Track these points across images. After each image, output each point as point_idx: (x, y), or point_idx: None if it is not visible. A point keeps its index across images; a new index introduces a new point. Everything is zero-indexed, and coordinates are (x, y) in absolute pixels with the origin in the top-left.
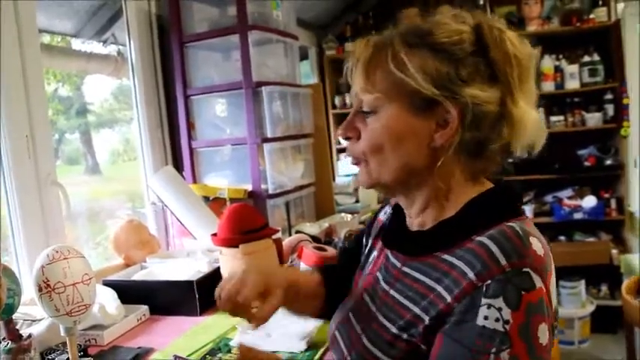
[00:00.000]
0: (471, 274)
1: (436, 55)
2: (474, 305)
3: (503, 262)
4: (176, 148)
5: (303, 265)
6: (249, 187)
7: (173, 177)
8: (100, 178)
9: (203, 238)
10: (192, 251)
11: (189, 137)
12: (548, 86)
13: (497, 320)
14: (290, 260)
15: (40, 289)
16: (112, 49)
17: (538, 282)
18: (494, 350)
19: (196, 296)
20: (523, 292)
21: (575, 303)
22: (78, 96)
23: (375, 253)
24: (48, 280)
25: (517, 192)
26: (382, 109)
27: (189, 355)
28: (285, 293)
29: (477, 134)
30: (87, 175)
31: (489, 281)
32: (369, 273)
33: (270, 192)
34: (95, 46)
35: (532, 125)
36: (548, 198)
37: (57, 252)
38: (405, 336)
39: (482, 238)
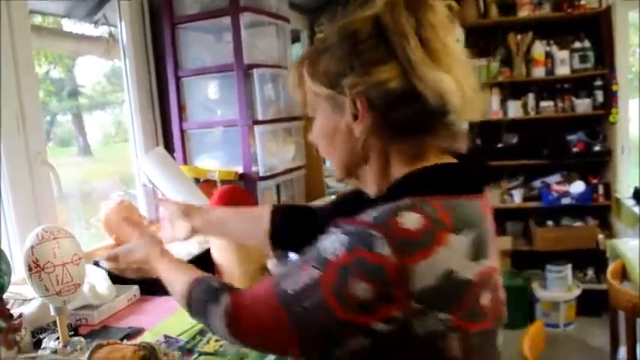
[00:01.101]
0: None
1: (336, 53)
2: (329, 232)
3: (366, 220)
4: (167, 130)
5: None
6: (240, 169)
7: (164, 158)
8: (91, 160)
9: None
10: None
11: (180, 119)
12: (539, 72)
13: (332, 248)
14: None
15: (29, 269)
16: (103, 31)
17: (384, 250)
18: (313, 264)
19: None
20: (359, 246)
21: (561, 287)
22: (70, 78)
23: None
24: (37, 260)
25: (456, 172)
26: (315, 115)
27: (179, 335)
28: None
29: (395, 114)
30: (79, 156)
31: (349, 226)
32: None
33: (261, 174)
34: (86, 28)
35: (453, 92)
36: (537, 183)
37: (46, 232)
38: None
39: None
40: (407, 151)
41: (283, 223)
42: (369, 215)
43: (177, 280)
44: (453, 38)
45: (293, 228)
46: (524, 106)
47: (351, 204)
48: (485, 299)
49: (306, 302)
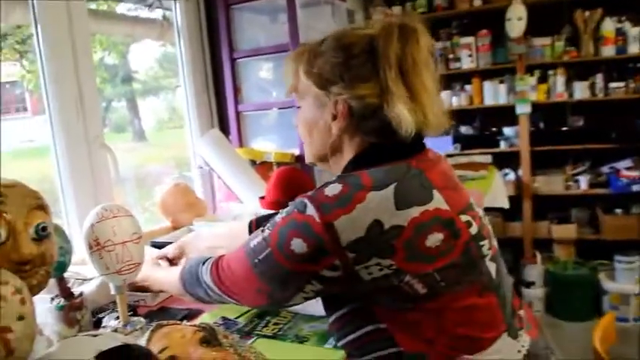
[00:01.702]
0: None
1: (331, 60)
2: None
3: (306, 194)
4: (222, 113)
5: None
6: (297, 152)
7: (219, 140)
8: (146, 145)
9: (250, 201)
10: (239, 215)
11: (236, 101)
12: (609, 51)
13: (278, 217)
14: None
15: (90, 247)
16: (157, 14)
17: (311, 211)
18: (267, 226)
19: None
20: (295, 210)
21: (630, 279)
22: (123, 64)
23: None
24: (98, 239)
25: (379, 149)
26: (302, 105)
27: (237, 318)
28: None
29: (366, 122)
30: (133, 142)
31: (295, 200)
32: None
33: None
34: (140, 11)
35: (409, 123)
36: (605, 168)
37: (106, 210)
38: None
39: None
40: (366, 142)
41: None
42: (309, 192)
43: (168, 274)
44: (429, 71)
45: None
46: (592, 87)
47: None
48: (434, 241)
49: (262, 255)
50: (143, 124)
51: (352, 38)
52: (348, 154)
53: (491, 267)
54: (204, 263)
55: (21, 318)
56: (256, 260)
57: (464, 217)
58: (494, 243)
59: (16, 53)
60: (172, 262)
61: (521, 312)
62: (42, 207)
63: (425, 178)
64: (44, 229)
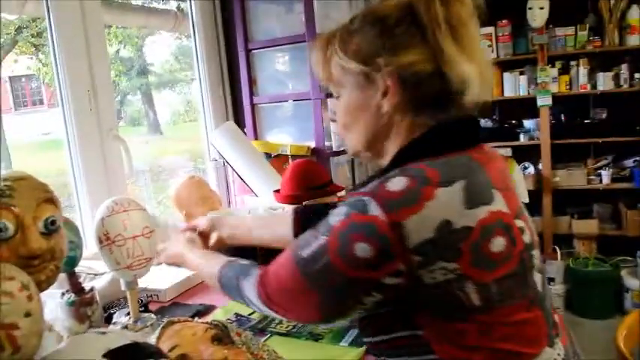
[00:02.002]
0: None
1: (368, 34)
2: (336, 207)
3: (361, 191)
4: (238, 105)
5: None
6: (313, 144)
7: (234, 132)
8: (161, 138)
9: (265, 195)
10: (253, 208)
11: (251, 93)
12: (635, 40)
13: (334, 220)
14: None
15: (100, 242)
16: (171, 5)
17: (375, 211)
18: (321, 231)
19: (258, 253)
20: (353, 211)
21: None
22: (139, 57)
23: None
24: (108, 233)
25: (440, 135)
26: (340, 93)
27: (250, 315)
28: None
29: (418, 92)
30: (149, 135)
31: (351, 198)
32: None
33: (334, 149)
34: (155, 2)
35: (475, 79)
36: (629, 162)
37: (117, 204)
38: None
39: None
40: (417, 124)
41: (308, 223)
42: (364, 188)
43: (207, 264)
44: (477, 31)
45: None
46: (616, 78)
47: None
48: (498, 246)
49: (318, 265)
50: (159, 117)
51: (386, 10)
52: (398, 139)
53: (538, 279)
54: (245, 276)
55: (28, 314)
56: (311, 271)
57: (518, 223)
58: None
59: (32, 47)
60: (202, 235)
61: (556, 317)
62: (51, 200)
63: (485, 174)
64: (53, 222)
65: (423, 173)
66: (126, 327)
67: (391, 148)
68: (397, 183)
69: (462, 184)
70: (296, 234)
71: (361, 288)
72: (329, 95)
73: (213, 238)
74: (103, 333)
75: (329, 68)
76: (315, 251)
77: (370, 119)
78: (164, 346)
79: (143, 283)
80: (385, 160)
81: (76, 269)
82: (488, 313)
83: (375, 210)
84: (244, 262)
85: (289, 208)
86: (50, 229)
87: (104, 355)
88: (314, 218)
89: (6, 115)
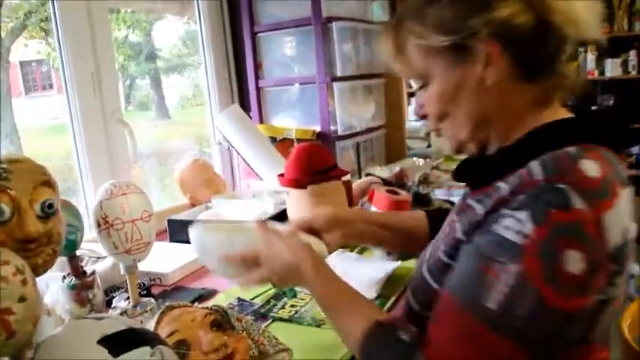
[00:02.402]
0: (505, 190)
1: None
2: (499, 215)
3: (539, 177)
4: (243, 89)
5: (374, 209)
6: (318, 128)
7: (239, 115)
8: (169, 123)
9: (269, 179)
10: (258, 192)
11: (257, 77)
12: None
13: (517, 232)
14: (360, 204)
15: (98, 225)
16: None
17: (578, 203)
18: (502, 259)
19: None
20: (552, 209)
21: None
22: (147, 42)
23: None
24: (106, 216)
25: (604, 122)
26: (429, 80)
27: (253, 299)
28: (354, 231)
29: (525, 52)
30: (157, 119)
31: (520, 195)
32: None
33: (340, 133)
34: None
35: (579, 12)
36: (635, 149)
37: (115, 187)
38: (450, 261)
39: (533, 162)
40: (538, 97)
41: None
42: (526, 175)
43: (347, 314)
44: None
45: None
46: (624, 64)
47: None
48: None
49: (522, 309)
50: (167, 101)
51: None
52: (514, 116)
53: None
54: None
55: (22, 299)
56: (515, 322)
57: None
58: None
59: (42, 31)
60: (315, 233)
61: None
62: (48, 183)
63: None
64: (50, 206)
65: (609, 161)
66: (125, 312)
67: (500, 127)
68: (592, 167)
69: (629, 190)
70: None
71: (573, 321)
72: (334, 79)
73: (334, 237)
74: (99, 319)
75: (406, 56)
76: (509, 291)
77: (473, 99)
78: (163, 332)
79: (146, 266)
80: (493, 145)
81: (79, 252)
82: (584, 345)
83: (577, 202)
84: (402, 334)
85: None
86: (47, 212)
87: (99, 341)
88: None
89: (17, 99)
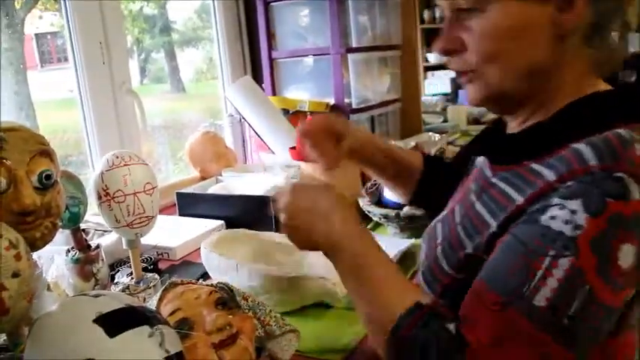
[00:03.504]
0: (550, 176)
1: None
2: (545, 205)
3: (592, 162)
4: (256, 61)
5: None
6: (332, 101)
7: (251, 87)
8: (184, 97)
9: (281, 152)
10: (269, 166)
11: (270, 47)
12: None
13: (566, 222)
14: (372, 179)
15: (99, 198)
16: None
17: (635, 193)
18: (552, 253)
19: (272, 212)
20: (609, 199)
21: None
22: (162, 14)
23: (477, 167)
24: (107, 188)
25: None
26: (487, 5)
27: None
28: (359, 147)
29: (604, 10)
30: (172, 93)
31: (570, 182)
32: (465, 185)
33: (354, 106)
34: None
35: None
36: None
37: (117, 157)
38: (476, 253)
39: (579, 144)
40: (591, 64)
41: (432, 175)
42: (574, 159)
43: (383, 284)
44: None
45: (437, 184)
46: None
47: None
48: None
49: (572, 306)
50: (182, 75)
51: None
52: (568, 72)
53: None
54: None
55: (16, 275)
56: (566, 321)
57: None
58: None
59: (56, 3)
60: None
61: None
62: (46, 153)
63: None
64: (48, 177)
65: None
66: (127, 288)
67: (553, 91)
68: None
69: None
70: (421, 182)
71: (613, 318)
72: (349, 50)
73: (339, 149)
74: (97, 296)
75: None
76: (557, 288)
77: (537, 45)
78: (165, 310)
79: (153, 240)
80: (526, 111)
81: (84, 225)
82: (619, 335)
83: (636, 192)
84: (445, 332)
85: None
86: (45, 183)
87: (95, 320)
88: (441, 177)
89: (32, 71)
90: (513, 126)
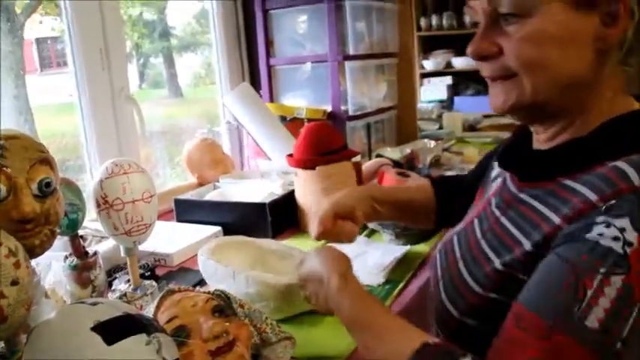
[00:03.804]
0: (592, 196)
1: None
2: (588, 223)
3: (637, 182)
4: (254, 68)
5: None
6: (329, 108)
7: (249, 94)
8: (182, 102)
9: (278, 158)
10: (266, 172)
11: (268, 54)
12: None
13: (615, 239)
14: None
15: (98, 205)
16: None
17: None
18: (603, 270)
19: (269, 219)
20: None
21: None
22: (161, 20)
23: (498, 179)
24: (106, 196)
25: None
26: (536, 10)
27: None
28: (370, 210)
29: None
30: (170, 98)
31: (614, 200)
32: (486, 198)
33: (351, 113)
34: None
35: None
36: None
37: (116, 165)
38: (503, 268)
39: (619, 163)
40: (621, 79)
41: (446, 197)
42: (617, 178)
43: (385, 336)
44: None
45: (454, 203)
46: None
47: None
48: None
49: (625, 327)
50: (180, 80)
51: None
52: (603, 87)
53: None
54: None
55: (15, 283)
56: (618, 345)
57: None
58: None
59: (56, 7)
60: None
61: None
62: (46, 161)
63: None
64: (48, 184)
65: None
66: (124, 295)
67: (578, 107)
68: None
69: None
70: (439, 209)
71: None
72: (347, 57)
73: (358, 219)
74: (94, 304)
75: None
76: (610, 308)
77: (579, 58)
78: (162, 317)
79: (150, 246)
80: (553, 124)
81: (82, 232)
82: None
83: None
84: (459, 356)
85: (424, 181)
86: (45, 191)
87: (93, 328)
88: (451, 195)
89: (32, 76)
90: (543, 139)
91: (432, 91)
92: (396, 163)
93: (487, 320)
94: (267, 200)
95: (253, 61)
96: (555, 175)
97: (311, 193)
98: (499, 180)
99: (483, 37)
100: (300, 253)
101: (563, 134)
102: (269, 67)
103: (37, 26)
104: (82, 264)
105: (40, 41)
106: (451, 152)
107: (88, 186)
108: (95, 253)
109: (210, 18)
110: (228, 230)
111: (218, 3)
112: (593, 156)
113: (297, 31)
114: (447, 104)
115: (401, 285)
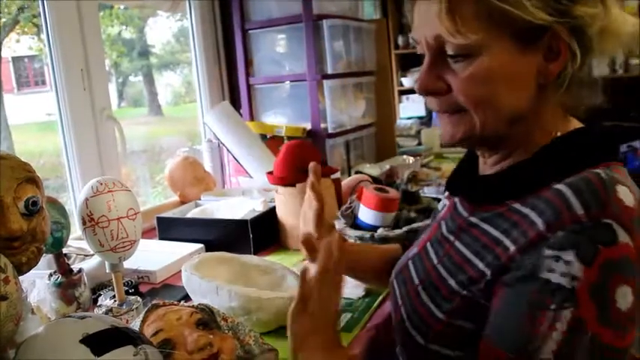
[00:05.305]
0: (540, 224)
1: None
2: (538, 257)
3: (579, 211)
4: (234, 86)
5: (362, 207)
6: (308, 126)
7: (229, 113)
8: (162, 120)
9: (259, 176)
10: (247, 190)
11: (247, 74)
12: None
13: (563, 275)
14: (349, 201)
15: (83, 223)
16: None
17: (622, 236)
18: (553, 307)
19: (250, 235)
20: (600, 247)
21: None
22: (140, 38)
23: (447, 202)
24: (92, 214)
25: (612, 134)
26: (482, 50)
27: None
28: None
29: (585, 57)
30: (150, 116)
31: (560, 232)
32: (435, 221)
33: (330, 131)
34: None
35: (635, 33)
36: (622, 147)
37: (101, 184)
38: (464, 292)
39: (560, 186)
40: (564, 107)
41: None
42: (562, 206)
43: None
44: None
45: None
46: (612, 63)
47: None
48: None
49: (579, 356)
50: (160, 98)
51: None
52: (544, 115)
53: None
54: None
55: (4, 298)
56: None
57: None
58: None
59: (34, 27)
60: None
61: None
62: (32, 180)
63: None
64: (34, 203)
65: (630, 180)
66: (110, 310)
67: (521, 135)
68: (626, 193)
69: None
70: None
71: (623, 357)
72: (325, 76)
73: None
74: (82, 317)
75: (465, 11)
76: (562, 340)
77: (523, 93)
78: (148, 330)
79: (134, 264)
80: (498, 150)
81: (66, 250)
82: None
83: (622, 235)
84: None
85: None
86: (31, 209)
87: (81, 341)
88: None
89: (8, 95)
90: (489, 163)
91: (410, 108)
92: (375, 179)
93: (455, 347)
94: (249, 217)
95: (233, 80)
96: (504, 198)
97: (291, 209)
98: (448, 203)
99: (429, 72)
100: (282, 268)
101: (508, 159)
102: (249, 86)
103: (14, 45)
104: (67, 281)
105: (16, 60)
106: (429, 168)
107: (70, 204)
108: (80, 271)
109: (190, 37)
110: (210, 247)
111: (198, 22)
112: (537, 179)
113: (276, 51)
114: (426, 120)
115: (380, 298)
